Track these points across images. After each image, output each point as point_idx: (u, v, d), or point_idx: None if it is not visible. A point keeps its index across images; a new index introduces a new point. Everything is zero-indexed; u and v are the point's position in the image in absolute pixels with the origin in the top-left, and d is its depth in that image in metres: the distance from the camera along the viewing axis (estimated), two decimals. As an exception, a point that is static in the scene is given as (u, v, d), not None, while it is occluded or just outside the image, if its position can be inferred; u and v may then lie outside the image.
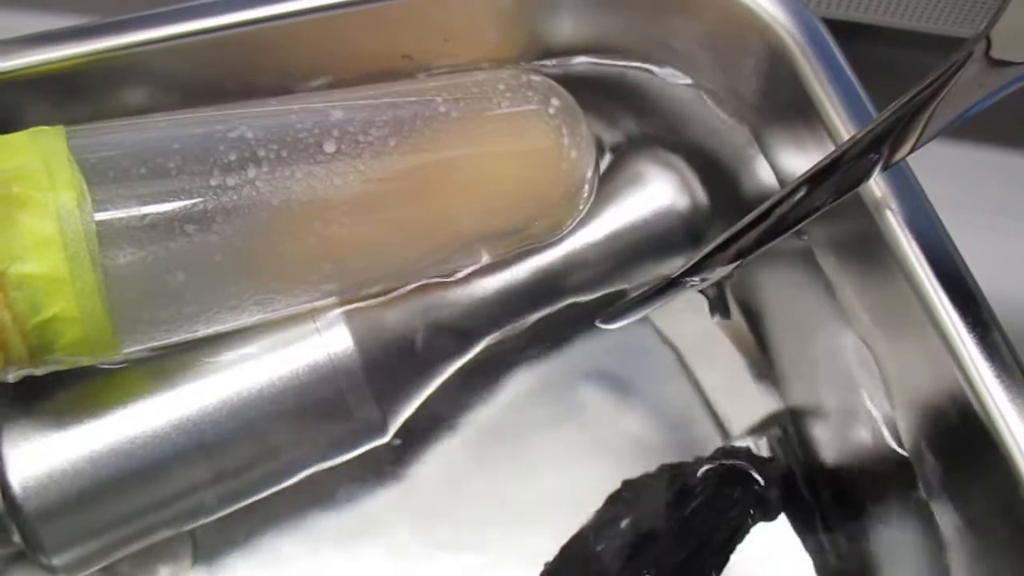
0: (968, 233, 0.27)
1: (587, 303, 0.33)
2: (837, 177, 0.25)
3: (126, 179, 0.24)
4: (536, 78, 0.31)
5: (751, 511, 0.29)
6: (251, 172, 0.25)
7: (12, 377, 0.24)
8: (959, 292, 0.25)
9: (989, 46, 0.21)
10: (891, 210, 0.26)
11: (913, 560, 0.27)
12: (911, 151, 0.24)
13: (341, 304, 0.28)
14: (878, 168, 0.24)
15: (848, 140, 0.24)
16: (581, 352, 0.35)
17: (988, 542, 0.24)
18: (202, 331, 0.26)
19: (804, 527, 0.31)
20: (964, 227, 0.27)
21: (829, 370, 0.31)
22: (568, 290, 0.32)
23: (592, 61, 0.33)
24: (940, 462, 0.26)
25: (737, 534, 0.28)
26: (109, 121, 0.26)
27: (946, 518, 0.26)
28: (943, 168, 0.30)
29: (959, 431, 0.25)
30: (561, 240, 0.32)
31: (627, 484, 0.31)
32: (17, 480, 0.26)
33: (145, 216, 0.23)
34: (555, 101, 0.30)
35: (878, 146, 0.24)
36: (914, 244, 0.26)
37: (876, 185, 0.27)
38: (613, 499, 0.30)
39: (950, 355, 0.25)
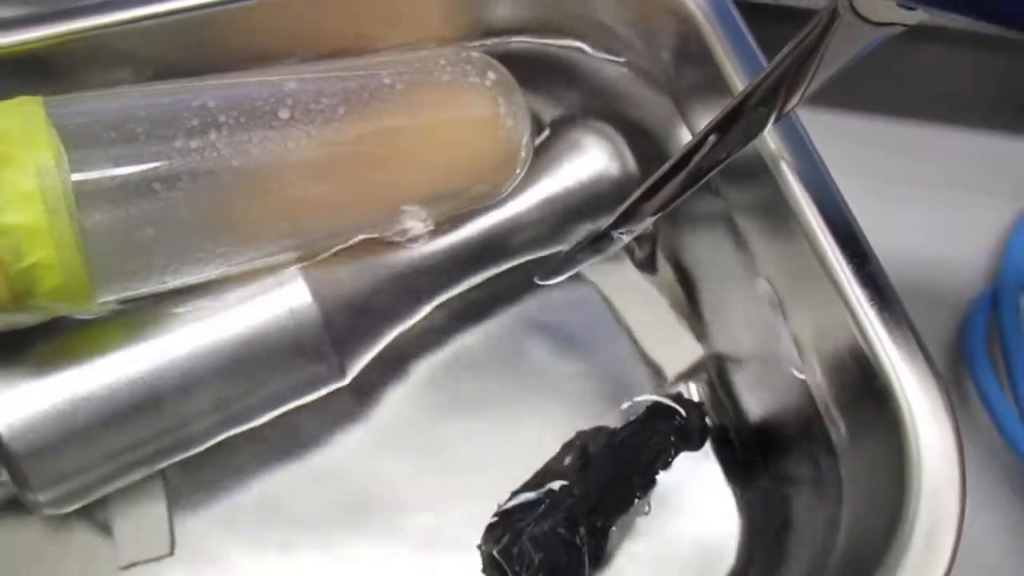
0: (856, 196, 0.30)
1: (529, 263, 0.36)
2: (739, 128, 0.28)
3: (99, 142, 0.26)
4: (475, 54, 0.33)
5: (672, 438, 0.31)
6: (212, 136, 0.28)
7: (-3, 323, 0.27)
8: (845, 237, 0.28)
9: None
10: (786, 163, 0.29)
11: (816, 488, 0.30)
12: (799, 102, 0.26)
13: (299, 261, 0.31)
14: (772, 118, 0.27)
15: (741, 91, 0.27)
16: (525, 309, 0.38)
17: (875, 474, 0.27)
18: (171, 282, 0.29)
19: (729, 464, 0.34)
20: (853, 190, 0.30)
21: (747, 320, 0.34)
22: (511, 250, 0.35)
23: (529, 41, 0.36)
24: (838, 402, 0.29)
25: (660, 457, 0.31)
26: (83, 92, 0.28)
27: (842, 444, 0.28)
28: (834, 136, 0.33)
29: (855, 377, 0.27)
30: (503, 203, 0.35)
31: (579, 434, 0.34)
32: (4, 422, 0.28)
33: (116, 176, 0.26)
34: (491, 74, 0.33)
35: (771, 98, 0.27)
36: (805, 194, 0.29)
37: (771, 140, 0.30)
38: (565, 445, 0.34)
39: (841, 300, 0.27)
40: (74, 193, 0.25)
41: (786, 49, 0.26)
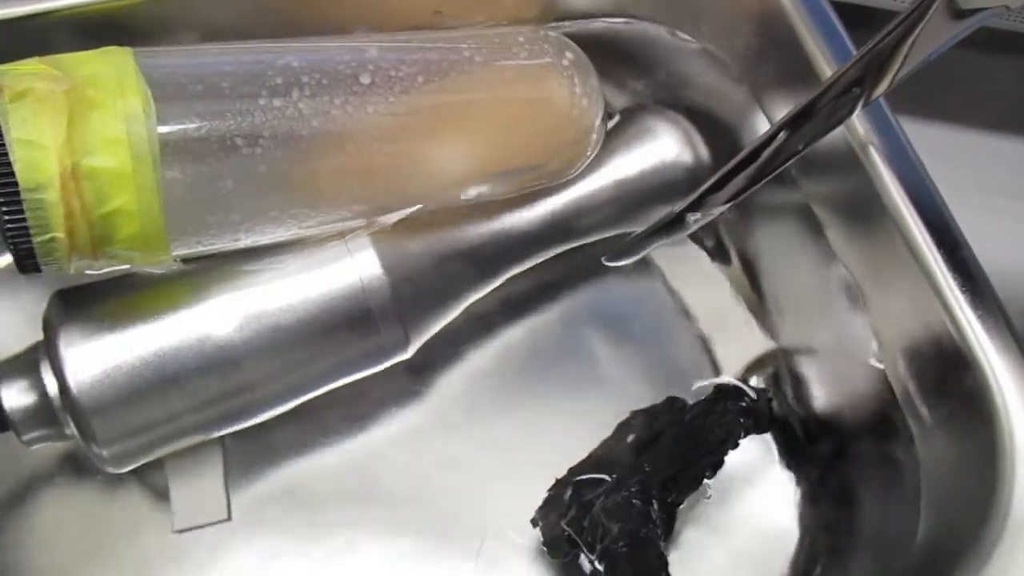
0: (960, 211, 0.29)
1: (596, 248, 0.36)
2: (822, 115, 0.27)
3: (185, 94, 0.26)
4: (552, 34, 0.33)
5: (741, 420, 0.31)
6: (295, 95, 0.28)
7: (74, 268, 0.26)
8: (937, 224, 0.28)
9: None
10: (875, 149, 0.29)
11: (887, 481, 0.29)
12: (889, 87, 0.26)
13: (370, 229, 0.31)
14: (860, 104, 0.27)
15: (830, 77, 0.26)
16: (588, 293, 0.37)
17: (956, 456, 0.26)
18: (243, 240, 0.29)
19: (792, 453, 0.34)
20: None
21: (818, 309, 0.33)
22: (578, 231, 0.35)
23: (606, 23, 0.36)
24: (921, 392, 0.28)
25: (730, 438, 0.31)
26: (170, 46, 0.29)
27: (922, 435, 0.28)
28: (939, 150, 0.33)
29: (942, 368, 0.27)
30: (572, 184, 0.34)
31: (635, 412, 0.34)
32: (73, 376, 0.28)
33: (200, 128, 0.26)
34: (568, 55, 0.33)
35: (859, 83, 0.26)
36: (895, 180, 0.28)
37: (860, 127, 0.29)
38: (622, 424, 0.33)
39: (931, 287, 0.27)
40: (159, 143, 0.25)
41: (878, 36, 0.25)
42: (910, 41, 0.25)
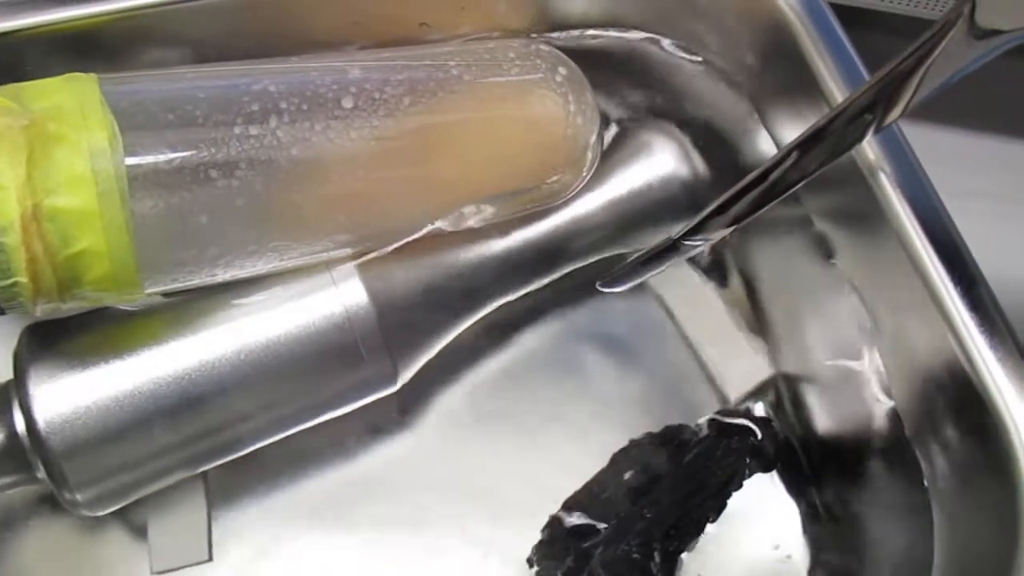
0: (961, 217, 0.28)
1: (591, 270, 0.35)
2: (832, 140, 0.26)
3: (154, 124, 0.25)
4: (544, 48, 0.32)
5: (747, 459, 0.30)
6: (273, 123, 0.26)
7: (40, 311, 0.25)
8: (951, 258, 0.26)
9: (974, 9, 0.22)
10: (885, 174, 0.27)
11: (897, 517, 0.28)
12: (903, 113, 0.25)
13: (355, 257, 0.30)
14: (871, 130, 0.25)
15: (842, 102, 0.25)
16: (585, 317, 0.36)
17: (974, 503, 0.25)
18: (221, 275, 0.27)
19: (795, 484, 0.32)
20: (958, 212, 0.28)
21: (824, 336, 0.32)
22: (573, 254, 0.34)
23: (602, 35, 0.34)
24: (934, 432, 0.26)
25: (734, 479, 0.29)
26: (138, 71, 0.27)
27: (935, 478, 0.26)
28: (940, 154, 0.31)
29: (952, 394, 0.25)
30: (568, 205, 0.33)
31: (633, 442, 0.32)
32: (43, 417, 0.27)
33: (172, 159, 0.25)
34: (562, 70, 0.31)
35: (871, 108, 0.25)
36: (907, 207, 0.27)
37: (870, 149, 0.28)
38: (618, 455, 0.32)
39: (943, 319, 0.25)
40: (127, 177, 0.24)
41: (895, 59, 0.24)
42: (927, 65, 0.24)
